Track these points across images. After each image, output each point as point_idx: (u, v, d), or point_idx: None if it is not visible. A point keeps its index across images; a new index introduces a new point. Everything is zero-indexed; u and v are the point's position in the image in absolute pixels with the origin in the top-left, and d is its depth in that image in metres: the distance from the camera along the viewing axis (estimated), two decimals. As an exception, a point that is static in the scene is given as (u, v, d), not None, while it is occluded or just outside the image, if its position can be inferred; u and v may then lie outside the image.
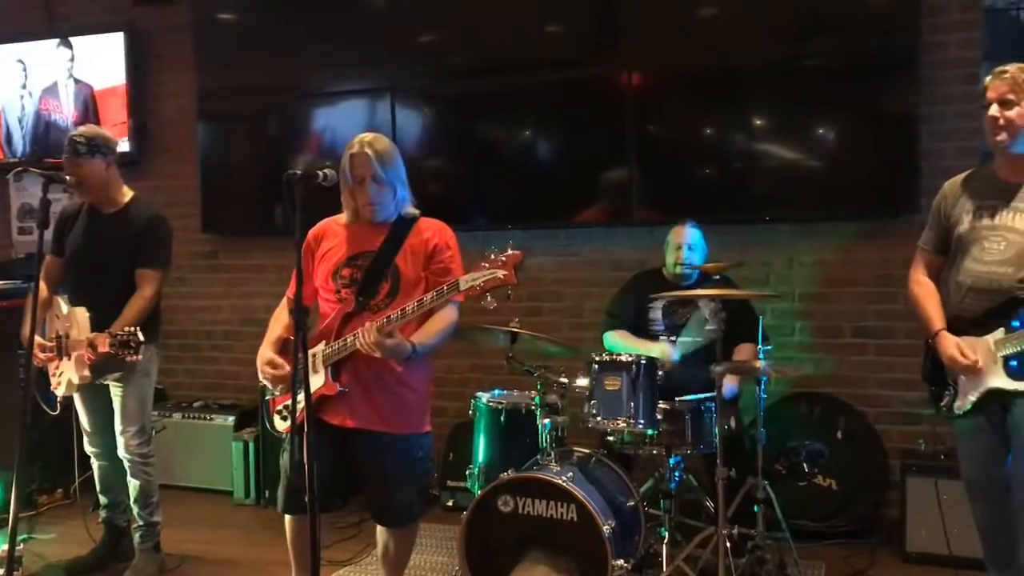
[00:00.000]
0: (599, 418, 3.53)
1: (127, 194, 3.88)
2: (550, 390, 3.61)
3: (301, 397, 2.92)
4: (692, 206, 4.41)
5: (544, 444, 3.56)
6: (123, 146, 5.23)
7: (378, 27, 5.12)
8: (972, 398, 2.93)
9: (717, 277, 3.73)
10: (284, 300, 3.23)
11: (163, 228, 3.85)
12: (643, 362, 3.54)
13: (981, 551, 3.17)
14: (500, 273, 2.73)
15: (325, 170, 2.82)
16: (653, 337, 4.03)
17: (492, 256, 2.78)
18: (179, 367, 5.74)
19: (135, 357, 3.43)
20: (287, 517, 3.15)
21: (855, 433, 4.33)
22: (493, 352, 3.77)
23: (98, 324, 3.59)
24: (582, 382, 3.63)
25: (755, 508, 3.58)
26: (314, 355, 3.00)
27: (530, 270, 4.99)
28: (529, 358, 3.75)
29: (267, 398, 3.20)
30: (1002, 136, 2.86)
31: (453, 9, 5.02)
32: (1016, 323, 2.82)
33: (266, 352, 3.10)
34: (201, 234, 5.57)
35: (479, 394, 3.92)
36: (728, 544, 3.42)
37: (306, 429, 2.58)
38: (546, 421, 3.56)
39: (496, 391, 3.98)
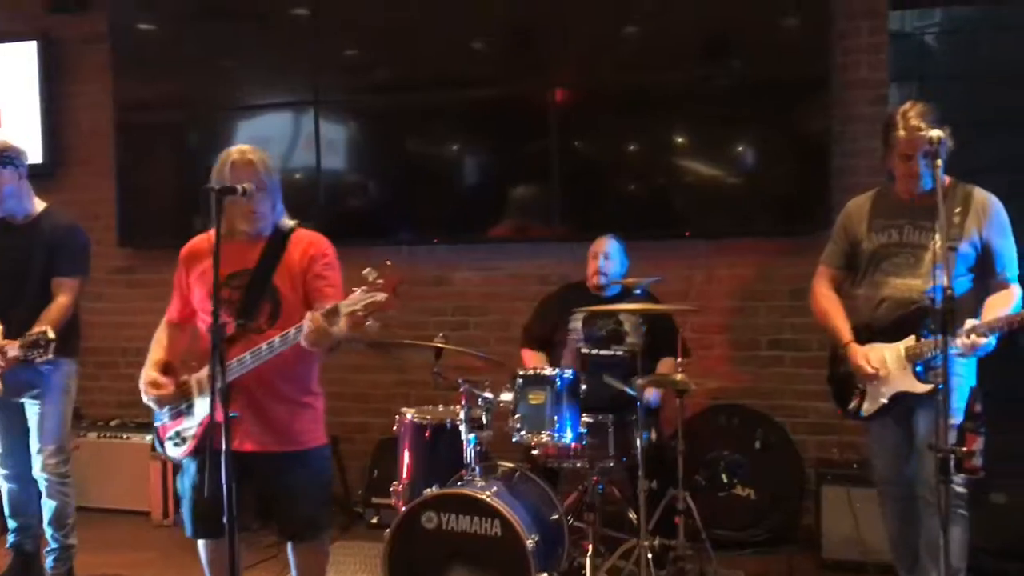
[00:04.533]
0: (523, 432, 3.56)
1: (39, 205, 3.78)
2: (475, 405, 3.61)
3: (195, 422, 2.92)
4: (614, 222, 4.47)
5: (469, 459, 3.56)
6: (35, 158, 5.07)
7: (302, 40, 5.09)
8: (883, 400, 3.12)
9: (638, 291, 3.79)
10: (164, 322, 3.11)
11: (80, 237, 3.79)
12: (567, 376, 3.57)
13: (892, 558, 3.31)
14: (379, 296, 2.67)
15: (244, 184, 2.79)
16: (574, 348, 4.08)
17: (370, 279, 2.71)
18: (95, 384, 5.57)
19: (46, 356, 3.33)
20: (200, 541, 3.08)
21: (773, 443, 4.43)
22: (419, 367, 3.77)
23: (12, 336, 3.48)
24: (507, 396, 3.64)
25: (676, 519, 3.64)
26: (198, 380, 2.92)
27: (456, 284, 5.04)
28: (455, 373, 3.75)
29: (155, 424, 3.07)
30: (921, 183, 3.05)
31: (379, 24, 5.02)
32: (926, 332, 3.01)
33: (149, 372, 2.99)
34: (117, 248, 5.44)
35: (404, 409, 3.90)
36: (650, 555, 3.48)
37: (224, 448, 2.54)
38: (471, 436, 3.56)
39: (421, 407, 3.96)
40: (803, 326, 4.50)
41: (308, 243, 3.00)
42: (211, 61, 5.25)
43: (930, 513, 2.98)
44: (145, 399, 3.02)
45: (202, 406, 2.91)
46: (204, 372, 2.93)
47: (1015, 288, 3.08)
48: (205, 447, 2.83)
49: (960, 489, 2.98)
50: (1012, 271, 3.10)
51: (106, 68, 5.39)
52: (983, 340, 2.88)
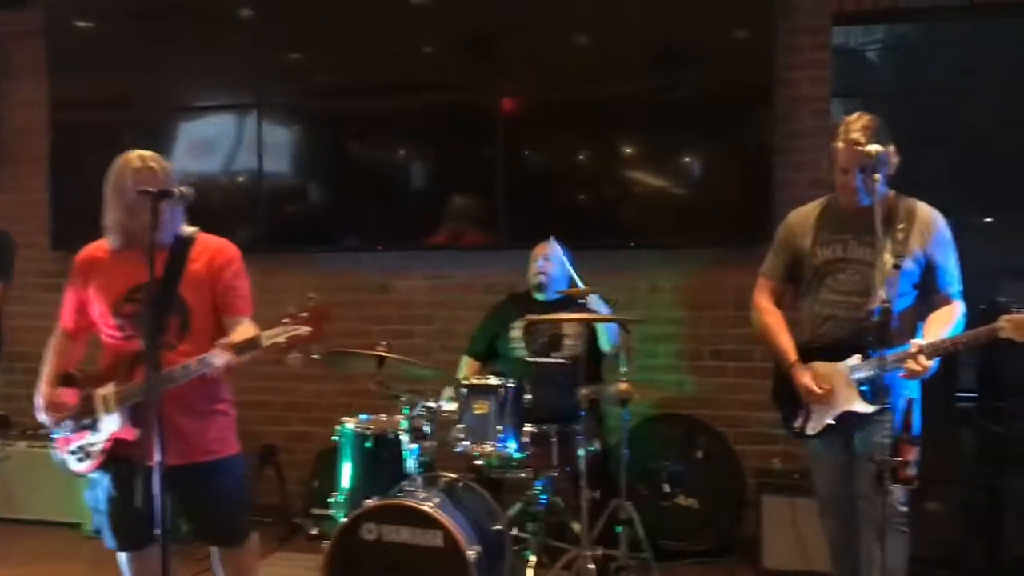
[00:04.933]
0: (467, 442, 3.53)
1: None
2: (417, 415, 3.57)
3: (102, 437, 2.83)
4: (561, 231, 4.43)
5: (410, 470, 3.52)
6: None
7: (246, 41, 5.01)
8: (828, 420, 3.05)
9: (581, 300, 3.78)
10: (59, 330, 3.02)
11: (4, 241, 3.65)
12: (510, 385, 3.55)
13: (831, 568, 3.31)
14: (304, 330, 2.64)
15: (182, 187, 2.72)
16: (515, 357, 4.06)
17: (293, 311, 2.68)
18: (23, 391, 5.37)
19: None
20: (122, 554, 3.00)
21: (715, 453, 4.46)
22: (362, 377, 3.73)
23: None
24: (450, 406, 3.61)
25: (619, 529, 3.64)
26: (104, 396, 2.84)
27: (402, 292, 4.99)
28: (397, 382, 3.70)
29: (54, 436, 2.97)
30: (860, 198, 2.98)
31: (326, 26, 4.95)
32: (873, 351, 2.91)
33: (48, 390, 2.91)
34: (50, 251, 5.27)
35: (345, 419, 3.84)
36: (592, 566, 3.46)
37: (159, 461, 2.47)
38: (413, 446, 3.51)
39: (363, 416, 3.90)
40: (746, 336, 4.52)
41: (215, 251, 2.93)
42: (151, 60, 5.12)
43: (869, 527, 3.00)
44: (42, 418, 2.91)
45: (109, 422, 2.83)
46: (110, 388, 2.84)
47: (957, 304, 3.03)
48: (114, 461, 2.81)
49: (902, 508, 3.00)
50: (955, 288, 3.05)
51: (42, 65, 5.24)
52: (930, 363, 2.84)
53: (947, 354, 2.91)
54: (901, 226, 2.98)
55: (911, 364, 2.84)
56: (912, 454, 2.72)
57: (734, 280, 4.56)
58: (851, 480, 3.09)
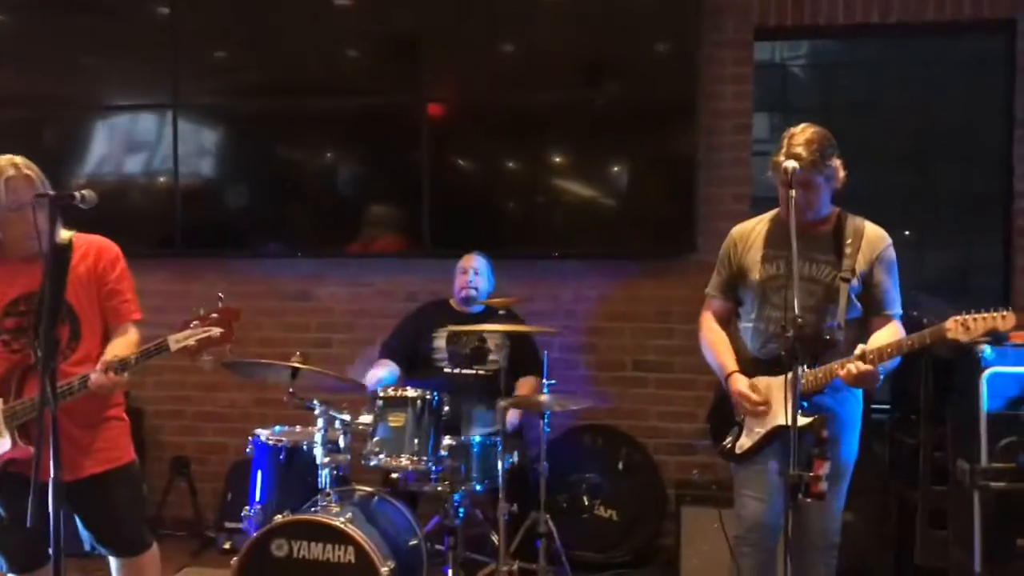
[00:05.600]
0: (382, 456, 3.45)
1: None
2: (332, 427, 3.48)
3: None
4: (485, 240, 4.44)
5: (324, 484, 3.43)
6: None
7: (161, 40, 4.84)
8: (760, 431, 2.92)
9: (503, 312, 3.75)
10: None
11: None
12: (428, 397, 3.49)
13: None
14: (215, 331, 2.58)
15: (83, 191, 2.59)
16: (436, 367, 4.01)
17: (203, 312, 2.62)
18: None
19: None
20: None
21: (635, 464, 4.46)
22: (278, 386, 3.64)
23: None
24: (366, 418, 3.53)
25: (537, 542, 3.60)
26: None
27: (322, 300, 4.88)
28: (313, 393, 3.60)
29: None
30: (806, 213, 2.88)
31: (246, 26, 4.84)
32: (817, 365, 2.86)
33: None
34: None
35: (258, 431, 3.73)
36: (510, 580, 3.42)
37: (53, 476, 2.34)
38: (326, 460, 3.42)
39: (277, 427, 3.80)
40: (667, 348, 4.56)
41: (96, 252, 2.84)
42: (65, 57, 4.93)
43: (812, 570, 2.94)
44: None
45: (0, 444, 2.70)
46: None
47: (898, 324, 2.95)
48: (5, 481, 2.69)
49: (836, 539, 2.98)
50: (896, 309, 2.97)
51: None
52: (870, 368, 2.74)
53: (890, 358, 2.80)
54: (848, 241, 2.92)
55: (849, 367, 2.75)
56: (824, 468, 2.74)
57: (657, 291, 4.58)
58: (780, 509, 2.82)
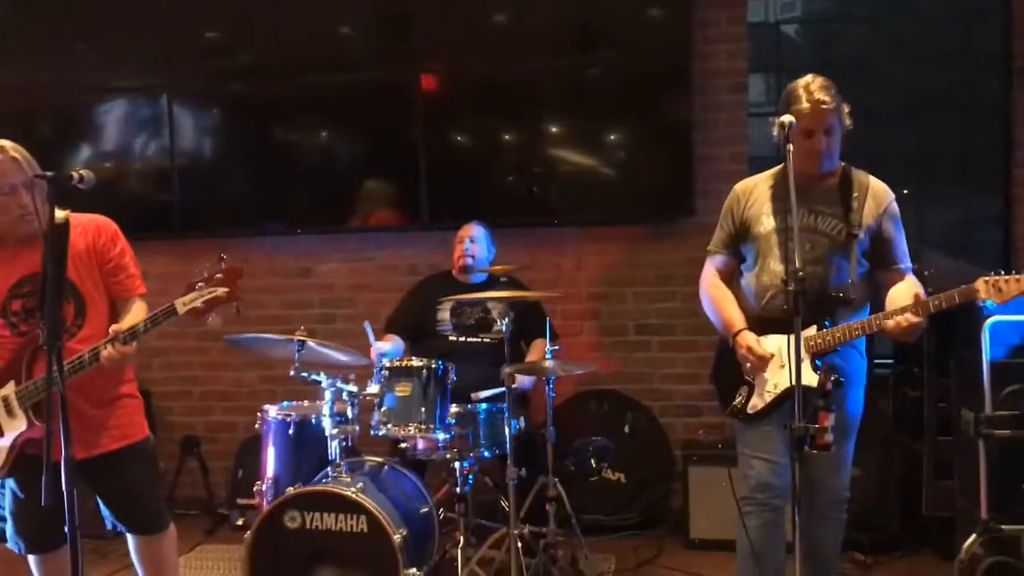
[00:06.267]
0: (390, 425, 3.46)
1: None
2: (339, 399, 3.50)
3: (7, 442, 2.73)
4: (484, 210, 4.44)
5: (334, 455, 3.45)
6: None
7: (154, 22, 4.82)
8: (774, 392, 2.87)
9: (504, 279, 3.76)
10: None
11: None
12: (434, 366, 3.51)
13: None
14: (221, 291, 2.59)
15: (81, 171, 2.60)
16: (442, 337, 4.04)
17: (206, 273, 2.63)
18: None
19: None
20: (31, 558, 2.91)
21: (641, 427, 4.50)
22: (284, 363, 3.66)
23: None
24: (372, 389, 3.55)
25: (547, 506, 3.64)
26: (5, 398, 2.74)
27: (323, 276, 4.90)
28: (319, 367, 3.62)
29: None
30: (824, 162, 2.86)
31: (239, 6, 4.81)
32: (828, 322, 2.83)
33: None
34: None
35: (266, 407, 3.76)
36: (520, 544, 3.45)
37: (64, 454, 2.37)
38: (335, 431, 3.45)
39: (285, 403, 3.83)
40: (669, 311, 4.58)
41: (95, 229, 2.85)
42: (57, 42, 4.91)
43: (822, 524, 2.95)
44: None
45: (14, 425, 2.73)
46: (10, 390, 2.74)
47: (914, 278, 2.92)
48: (22, 462, 2.72)
49: (846, 494, 2.99)
50: (907, 263, 2.94)
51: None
52: (919, 320, 2.68)
53: (936, 311, 2.74)
54: (855, 196, 2.89)
55: (899, 319, 2.68)
56: (829, 420, 2.72)
57: (657, 256, 4.59)
58: (789, 471, 2.71)
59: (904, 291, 2.81)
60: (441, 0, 4.64)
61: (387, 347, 3.96)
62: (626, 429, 4.47)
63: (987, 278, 2.67)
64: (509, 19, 4.66)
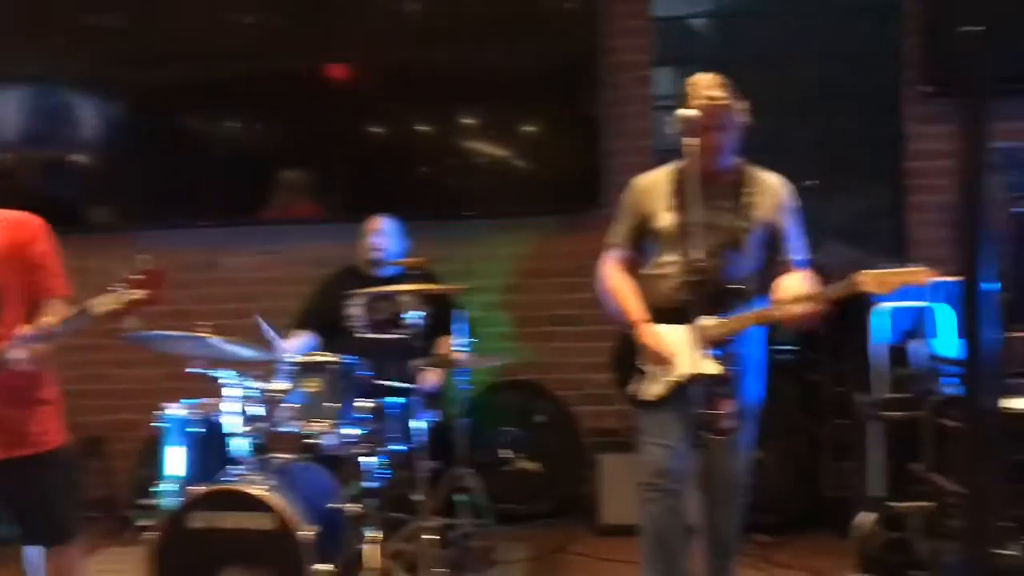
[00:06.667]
0: (298, 422, 3.43)
1: None
2: (245, 396, 3.44)
3: None
4: (392, 202, 4.42)
5: (240, 453, 3.40)
6: None
7: (55, 8, 4.65)
8: (670, 380, 2.94)
9: (415, 272, 3.75)
10: None
11: None
12: (342, 361, 3.48)
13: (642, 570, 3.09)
14: (140, 293, 2.53)
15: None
16: (353, 333, 4.00)
17: (128, 275, 2.56)
18: None
19: None
20: None
21: (555, 417, 4.55)
22: (190, 360, 3.59)
23: None
24: (280, 386, 3.49)
25: (460, 498, 3.65)
26: None
27: (229, 270, 4.80)
28: (224, 364, 3.55)
29: None
30: (720, 158, 2.94)
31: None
32: (724, 313, 2.89)
33: None
34: None
35: (168, 405, 3.67)
36: (433, 536, 3.46)
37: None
38: (241, 429, 3.39)
39: (189, 400, 3.74)
40: (580, 301, 4.62)
41: (16, 225, 2.76)
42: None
43: (723, 509, 2.99)
44: None
45: None
46: None
47: (806, 271, 2.99)
48: None
49: (746, 480, 3.05)
50: (802, 255, 3.02)
51: None
52: (803, 310, 2.77)
53: (821, 304, 2.83)
54: (751, 191, 2.98)
55: (787, 308, 2.79)
56: (728, 406, 2.81)
57: (567, 247, 4.64)
58: (689, 456, 2.92)
59: (794, 283, 2.91)
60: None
61: (295, 345, 3.90)
62: (539, 419, 4.51)
63: (871, 272, 2.78)
64: (422, 9, 4.64)
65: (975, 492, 1.86)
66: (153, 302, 2.55)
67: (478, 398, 4.45)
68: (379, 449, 3.58)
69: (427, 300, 3.89)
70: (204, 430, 3.55)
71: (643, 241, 3.12)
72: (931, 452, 3.19)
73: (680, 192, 2.98)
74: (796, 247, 3.04)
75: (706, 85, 2.90)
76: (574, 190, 4.58)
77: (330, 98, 4.62)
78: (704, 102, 2.86)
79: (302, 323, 4.11)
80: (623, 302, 3.07)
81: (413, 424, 3.58)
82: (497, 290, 4.68)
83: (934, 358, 3.28)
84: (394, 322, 4.00)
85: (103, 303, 2.53)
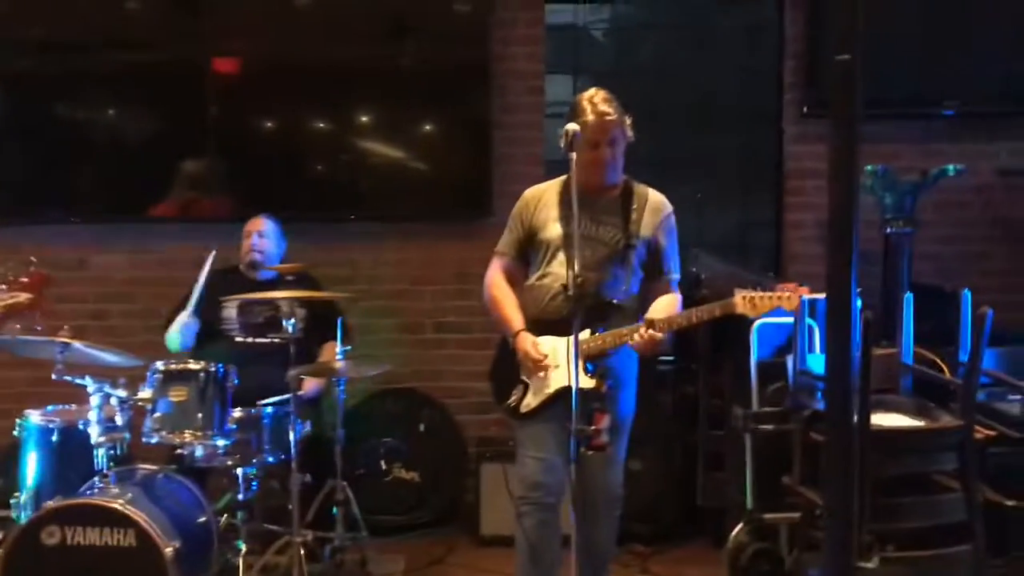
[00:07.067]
0: (164, 432, 3.30)
1: None
2: (108, 404, 3.28)
3: None
4: (277, 202, 4.32)
5: (101, 465, 3.24)
6: None
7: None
8: (547, 391, 2.97)
9: (291, 278, 3.65)
10: None
11: None
12: (212, 369, 3.35)
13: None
14: (23, 297, 2.40)
15: None
16: (228, 337, 3.88)
17: (11, 277, 2.42)
18: None
19: None
20: None
21: (436, 425, 4.49)
22: (48, 364, 3.39)
23: None
24: (144, 394, 3.35)
25: (334, 510, 3.57)
26: None
27: (98, 269, 4.58)
28: (86, 370, 3.37)
29: None
30: (608, 174, 2.99)
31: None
32: (602, 327, 2.95)
33: None
34: None
35: (28, 412, 3.47)
36: (306, 550, 3.38)
37: None
38: (102, 439, 3.23)
39: (50, 407, 3.55)
40: (466, 309, 4.58)
41: None
42: None
43: (597, 522, 3.02)
44: None
45: None
46: None
47: (678, 295, 3.09)
48: None
49: (620, 491, 3.10)
50: (676, 274, 3.11)
51: None
52: (660, 336, 2.86)
53: (681, 328, 2.97)
54: (634, 207, 3.02)
55: (641, 334, 2.85)
56: (604, 422, 2.81)
57: (456, 253, 4.59)
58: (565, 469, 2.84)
59: (663, 305, 3.00)
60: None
61: (191, 321, 3.74)
62: (421, 427, 4.46)
63: (744, 294, 2.86)
64: (313, 3, 4.52)
65: (837, 505, 1.92)
66: (34, 307, 2.42)
67: (360, 406, 4.36)
68: (250, 460, 3.47)
69: (307, 305, 3.80)
70: (66, 439, 3.37)
71: (529, 252, 3.14)
72: (801, 465, 3.27)
73: (566, 203, 2.99)
74: (672, 265, 3.11)
75: (596, 100, 2.93)
76: (463, 197, 4.55)
77: (215, 92, 4.46)
78: (592, 117, 2.90)
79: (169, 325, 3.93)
80: (503, 311, 3.09)
81: (287, 434, 3.47)
82: (383, 295, 4.60)
83: (805, 373, 3.36)
84: (272, 327, 3.90)
85: None
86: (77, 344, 3.26)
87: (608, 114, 2.91)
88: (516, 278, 3.17)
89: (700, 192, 5.06)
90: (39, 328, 2.49)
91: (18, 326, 2.45)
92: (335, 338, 3.76)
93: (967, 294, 3.43)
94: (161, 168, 4.51)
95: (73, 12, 4.44)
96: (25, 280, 2.43)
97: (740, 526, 3.56)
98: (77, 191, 4.56)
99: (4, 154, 4.55)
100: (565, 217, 3.01)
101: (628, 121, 3.00)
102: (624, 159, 3.06)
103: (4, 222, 4.50)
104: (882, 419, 3.11)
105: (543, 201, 3.09)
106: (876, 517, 2.87)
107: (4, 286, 2.44)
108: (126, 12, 4.50)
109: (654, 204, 3.08)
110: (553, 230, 3.03)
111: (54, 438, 3.37)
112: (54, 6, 4.44)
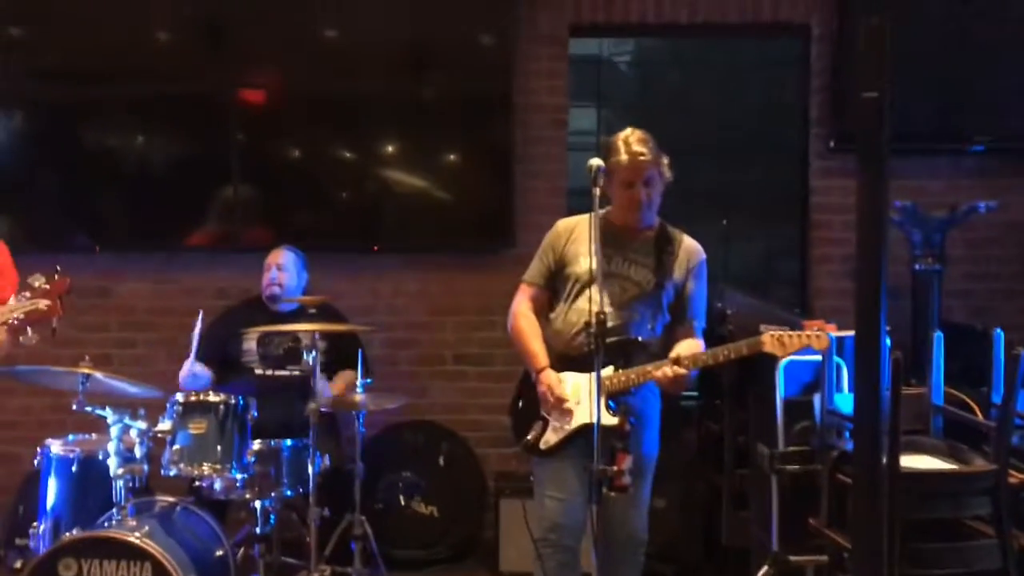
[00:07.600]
0: (182, 464, 3.28)
1: None
2: (127, 435, 3.27)
3: None
4: (301, 233, 4.34)
5: (119, 497, 3.22)
6: None
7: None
8: (568, 428, 2.94)
9: (313, 310, 3.64)
10: None
11: None
12: (232, 402, 3.34)
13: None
14: (43, 304, 2.40)
15: None
16: (248, 369, 3.86)
17: (35, 284, 2.42)
18: None
19: None
20: None
21: (456, 459, 4.44)
22: (69, 393, 3.40)
23: None
24: (164, 426, 3.34)
25: (352, 544, 3.53)
26: None
27: (123, 297, 4.59)
28: (106, 400, 3.37)
29: None
30: (643, 214, 2.98)
31: (47, 4, 4.44)
32: (626, 366, 2.92)
33: None
34: None
35: (48, 440, 3.48)
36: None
37: None
38: (121, 470, 3.22)
39: (71, 436, 3.56)
40: (488, 341, 4.56)
41: None
42: None
43: (620, 565, 2.98)
44: None
45: None
46: None
47: (702, 342, 3.04)
48: None
49: (643, 535, 3.05)
50: (701, 321, 3.08)
51: None
52: (685, 372, 2.84)
53: (706, 367, 2.94)
54: (668, 250, 3.01)
55: (665, 370, 2.83)
56: (626, 462, 2.77)
57: (477, 285, 4.57)
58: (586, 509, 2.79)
59: (687, 347, 2.96)
60: (267, 12, 4.46)
61: (199, 370, 3.74)
62: (441, 461, 4.41)
63: (773, 332, 2.81)
64: (340, 35, 4.55)
65: (865, 549, 1.86)
66: (52, 315, 2.42)
67: (380, 438, 4.34)
68: (268, 493, 3.45)
69: (328, 337, 3.79)
70: (86, 469, 3.37)
71: (557, 283, 3.11)
72: (828, 507, 3.20)
73: (599, 240, 2.91)
74: (699, 311, 3.08)
75: (631, 140, 2.91)
76: (486, 228, 4.53)
77: (241, 123, 4.49)
78: (626, 158, 2.88)
79: (196, 356, 3.93)
80: (529, 345, 3.05)
81: (306, 468, 3.44)
82: (403, 327, 4.58)
83: (833, 413, 3.30)
84: (292, 359, 3.89)
85: (5, 311, 2.39)
86: (98, 375, 3.26)
87: (642, 154, 2.89)
88: (542, 307, 3.14)
89: (723, 223, 5.02)
90: (54, 327, 2.46)
91: (35, 335, 2.44)
92: (354, 367, 3.75)
93: (999, 333, 3.35)
94: (186, 198, 4.53)
95: (102, 43, 4.48)
96: (48, 287, 2.43)
97: (765, 568, 3.47)
98: (102, 220, 4.59)
99: (31, 182, 4.59)
100: (596, 252, 2.92)
101: (665, 161, 2.97)
102: (661, 200, 3.03)
103: (29, 249, 4.52)
104: (912, 461, 3.04)
105: (575, 234, 3.07)
106: (906, 563, 2.79)
107: (27, 293, 2.42)
108: (155, 44, 4.55)
109: (688, 248, 3.07)
110: (583, 264, 3.00)
111: (74, 468, 3.38)
112: (83, 37, 4.48)
